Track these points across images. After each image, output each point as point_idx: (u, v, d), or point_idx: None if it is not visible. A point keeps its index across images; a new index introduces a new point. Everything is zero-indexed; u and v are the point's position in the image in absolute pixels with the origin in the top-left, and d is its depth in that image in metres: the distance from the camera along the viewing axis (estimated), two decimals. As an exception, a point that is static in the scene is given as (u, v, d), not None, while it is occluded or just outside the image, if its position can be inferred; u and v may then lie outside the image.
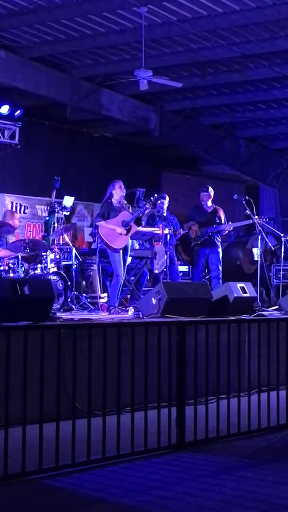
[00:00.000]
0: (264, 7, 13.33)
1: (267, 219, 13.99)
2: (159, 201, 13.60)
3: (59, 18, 14.04)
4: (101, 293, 13.52)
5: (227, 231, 14.19)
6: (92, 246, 15.79)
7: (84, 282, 13.92)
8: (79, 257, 13.82)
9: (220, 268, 13.85)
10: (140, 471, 6.25)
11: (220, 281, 13.60)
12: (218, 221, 13.97)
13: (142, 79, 14.00)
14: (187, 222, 14.11)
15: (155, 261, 13.15)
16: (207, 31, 14.49)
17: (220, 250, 14.04)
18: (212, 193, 14.14)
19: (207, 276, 14.16)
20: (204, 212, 14.11)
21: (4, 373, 5.90)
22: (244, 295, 10.96)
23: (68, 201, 14.90)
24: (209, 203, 14.15)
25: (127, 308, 12.19)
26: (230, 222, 14.14)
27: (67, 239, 14.03)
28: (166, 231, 13.41)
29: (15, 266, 11.81)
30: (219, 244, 14.01)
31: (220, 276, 13.79)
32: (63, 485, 5.82)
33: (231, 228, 14.39)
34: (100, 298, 13.34)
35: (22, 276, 11.66)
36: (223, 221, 14.01)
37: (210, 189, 14.19)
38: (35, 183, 17.85)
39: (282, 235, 14.39)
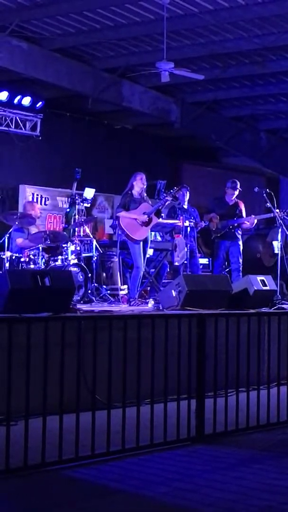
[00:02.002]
0: (286, -1, 13.30)
1: None
2: (180, 193, 13.57)
3: (81, 10, 14.03)
4: (121, 285, 13.54)
5: (248, 224, 14.04)
6: (113, 238, 15.81)
7: (104, 274, 13.96)
8: (99, 249, 13.85)
9: (241, 261, 13.82)
10: (159, 463, 6.27)
11: (240, 274, 13.57)
12: (239, 214, 13.93)
13: (163, 71, 13.98)
14: (207, 214, 14.08)
15: (175, 253, 13.17)
16: (229, 23, 14.44)
17: (240, 243, 13.99)
18: (238, 190, 14.07)
19: (227, 269, 14.13)
20: (226, 205, 14.06)
21: (25, 364, 5.94)
22: (264, 288, 10.94)
23: (89, 192, 14.92)
24: (233, 196, 14.09)
25: (147, 300, 12.21)
26: (252, 216, 14.02)
27: (87, 230, 14.06)
28: (187, 223, 13.41)
29: (36, 257, 11.85)
30: (239, 237, 13.97)
31: (241, 269, 13.76)
32: (83, 476, 5.85)
33: (255, 222, 14.17)
34: (120, 290, 13.37)
35: (42, 267, 11.70)
36: (243, 215, 13.96)
37: (238, 186, 14.09)
38: (56, 175, 17.87)
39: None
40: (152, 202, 12.76)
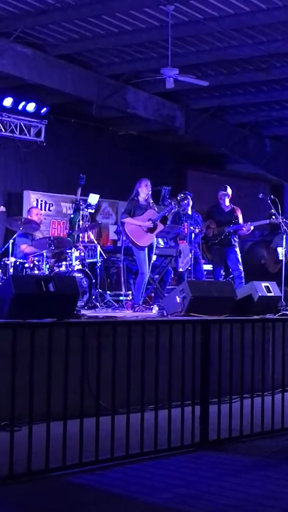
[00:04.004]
0: (291, 5, 13.30)
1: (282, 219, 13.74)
2: (185, 201, 13.54)
3: (86, 16, 14.05)
4: (125, 291, 13.53)
5: (244, 230, 13.97)
6: (117, 244, 15.80)
7: (108, 280, 13.95)
8: (103, 254, 13.85)
9: (241, 267, 13.73)
10: (163, 469, 6.25)
11: (243, 280, 13.50)
12: (235, 221, 13.87)
13: (168, 77, 13.99)
14: (205, 221, 14.06)
15: (179, 260, 13.16)
16: (234, 30, 14.45)
17: (237, 249, 13.85)
18: (230, 193, 14.03)
19: (231, 276, 14.08)
20: (222, 212, 14.00)
21: (29, 369, 5.93)
22: (269, 294, 10.92)
23: (93, 198, 14.91)
24: (227, 202, 14.04)
25: (151, 306, 12.20)
26: (248, 223, 13.97)
27: (92, 236, 14.06)
28: (192, 229, 13.40)
29: (40, 263, 11.86)
30: (236, 244, 13.86)
31: (242, 275, 13.67)
32: (86, 482, 5.83)
33: (251, 228, 14.13)
34: (125, 296, 13.36)
35: (47, 273, 11.70)
36: (240, 221, 13.89)
37: (228, 188, 14.07)
38: (60, 181, 17.88)
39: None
40: (157, 208, 12.75)
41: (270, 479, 6.01)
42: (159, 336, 6.80)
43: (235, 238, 13.86)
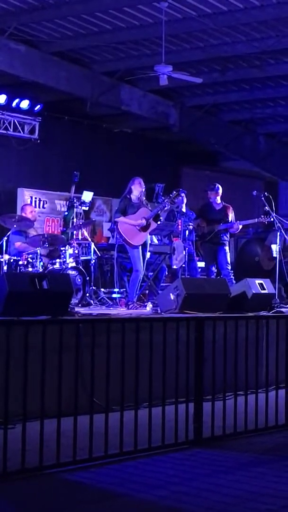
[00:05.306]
0: (284, 2, 13.29)
1: (270, 218, 13.66)
2: (178, 198, 13.54)
3: (80, 13, 14.04)
4: (118, 288, 13.52)
5: (234, 229, 13.91)
6: (110, 241, 15.79)
7: (102, 277, 13.94)
8: (97, 252, 13.84)
9: (229, 267, 13.68)
10: (158, 466, 6.25)
11: (232, 277, 13.45)
12: (225, 218, 13.81)
13: (162, 74, 13.99)
14: (195, 219, 14.03)
15: (173, 257, 13.16)
16: (228, 27, 14.46)
17: (227, 248, 13.78)
18: (220, 191, 13.97)
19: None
20: (213, 210, 13.95)
21: (23, 367, 5.92)
22: (263, 291, 10.93)
23: (87, 196, 14.91)
24: (218, 200, 14.00)
25: (145, 304, 12.19)
26: (237, 221, 13.91)
27: (86, 234, 14.05)
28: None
29: (34, 260, 11.84)
30: (226, 242, 13.80)
31: (231, 274, 13.60)
32: (81, 479, 5.83)
33: (240, 227, 14.06)
34: (118, 293, 13.35)
35: (41, 270, 11.69)
36: (230, 219, 13.82)
37: (218, 186, 14.02)
38: (54, 178, 17.87)
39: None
40: (151, 206, 12.73)
41: (265, 476, 6.00)
42: (153, 333, 6.79)
43: (225, 237, 13.80)
